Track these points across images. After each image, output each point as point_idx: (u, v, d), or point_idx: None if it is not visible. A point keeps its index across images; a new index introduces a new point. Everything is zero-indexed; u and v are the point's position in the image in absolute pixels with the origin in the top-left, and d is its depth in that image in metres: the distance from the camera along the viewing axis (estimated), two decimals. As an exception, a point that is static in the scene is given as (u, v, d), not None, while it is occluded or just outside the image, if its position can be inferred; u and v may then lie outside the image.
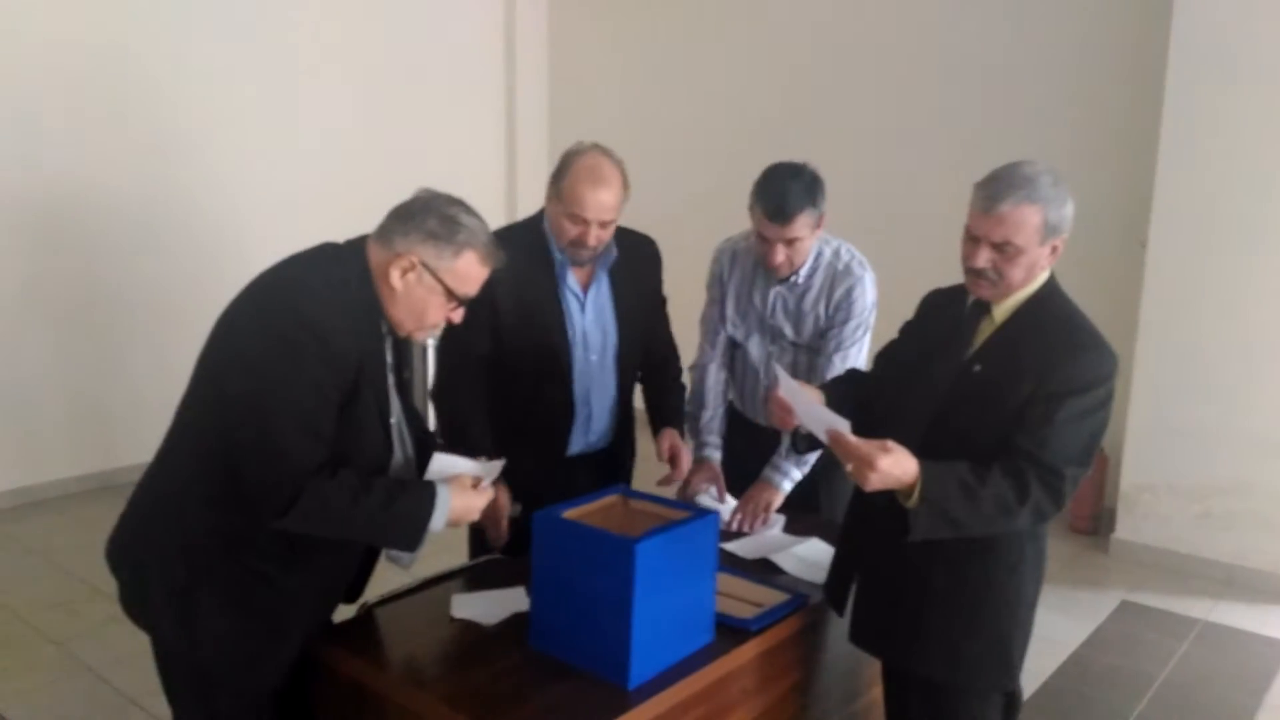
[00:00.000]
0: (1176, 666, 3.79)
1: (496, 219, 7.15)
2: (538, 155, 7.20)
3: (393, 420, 1.95)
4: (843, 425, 1.89)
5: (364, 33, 6.23)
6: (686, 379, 2.95)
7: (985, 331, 2.02)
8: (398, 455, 1.97)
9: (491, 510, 2.20)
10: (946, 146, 5.52)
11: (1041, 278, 2.01)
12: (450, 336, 2.37)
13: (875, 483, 1.80)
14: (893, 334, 2.30)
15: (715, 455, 2.89)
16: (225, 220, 5.69)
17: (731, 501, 2.78)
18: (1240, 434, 4.48)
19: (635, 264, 2.70)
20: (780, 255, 2.64)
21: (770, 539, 2.59)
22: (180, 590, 1.85)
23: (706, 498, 2.79)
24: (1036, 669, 3.68)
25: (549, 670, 1.89)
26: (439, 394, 2.64)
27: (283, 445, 1.72)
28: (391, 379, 1.96)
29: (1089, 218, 5.03)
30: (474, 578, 2.32)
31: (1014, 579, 2.02)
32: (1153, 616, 4.21)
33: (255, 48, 5.73)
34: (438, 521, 1.86)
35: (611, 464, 2.75)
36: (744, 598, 2.18)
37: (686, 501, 2.71)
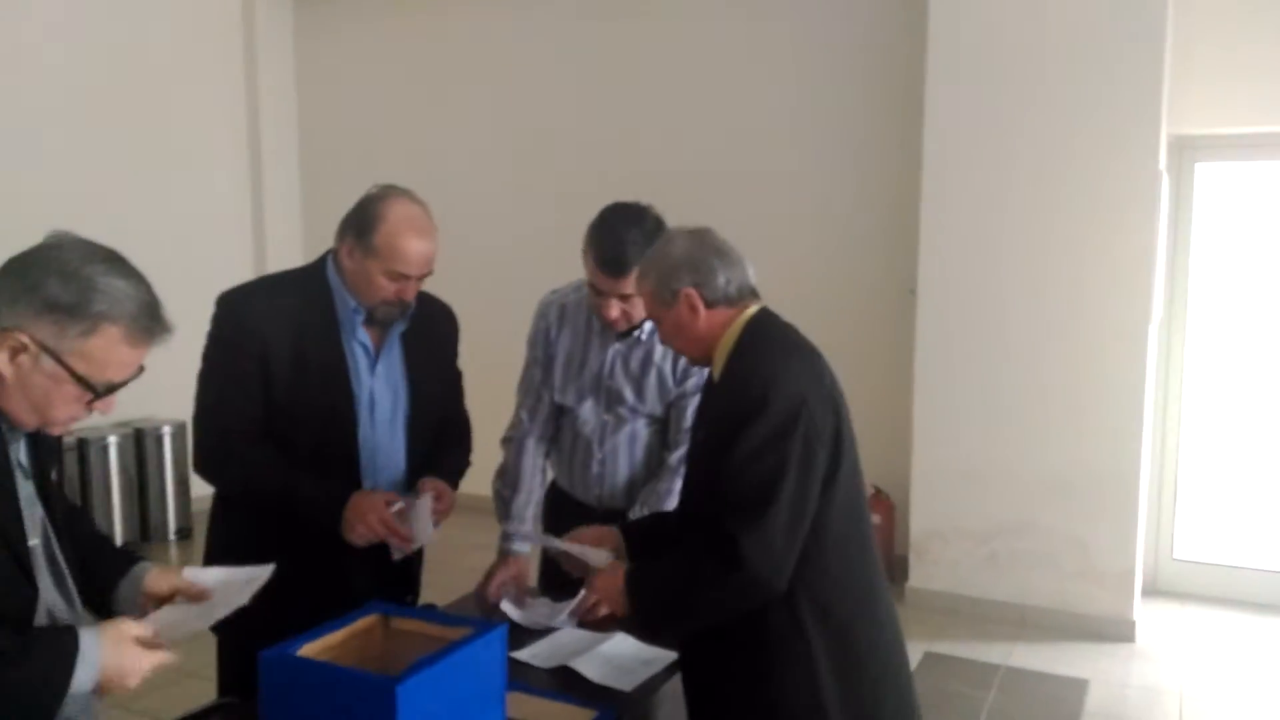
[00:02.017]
0: (990, 716, 3.68)
1: (245, 266, 6.41)
2: (289, 195, 6.61)
3: (32, 544, 1.45)
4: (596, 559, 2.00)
5: (95, 49, 5.53)
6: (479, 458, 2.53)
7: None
8: (45, 586, 1.47)
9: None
10: (732, 185, 5.37)
11: (738, 323, 1.91)
12: (209, 404, 2.11)
13: (613, 609, 1.94)
14: None
15: (522, 549, 2.48)
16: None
17: (534, 606, 2.37)
18: (1019, 475, 4.53)
19: (430, 327, 2.34)
20: (615, 310, 2.33)
21: (568, 640, 2.21)
22: None
23: (508, 603, 2.37)
24: (853, 741, 3.46)
25: None
26: (206, 470, 2.19)
27: None
28: (28, 486, 1.46)
29: (861, 267, 5.12)
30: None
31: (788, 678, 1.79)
32: (956, 666, 4.12)
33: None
34: (81, 681, 1.36)
35: (401, 561, 2.27)
36: (542, 715, 1.78)
37: (482, 607, 2.31)
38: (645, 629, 1.94)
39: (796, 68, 5.25)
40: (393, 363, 2.27)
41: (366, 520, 2.04)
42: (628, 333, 2.41)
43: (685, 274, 1.89)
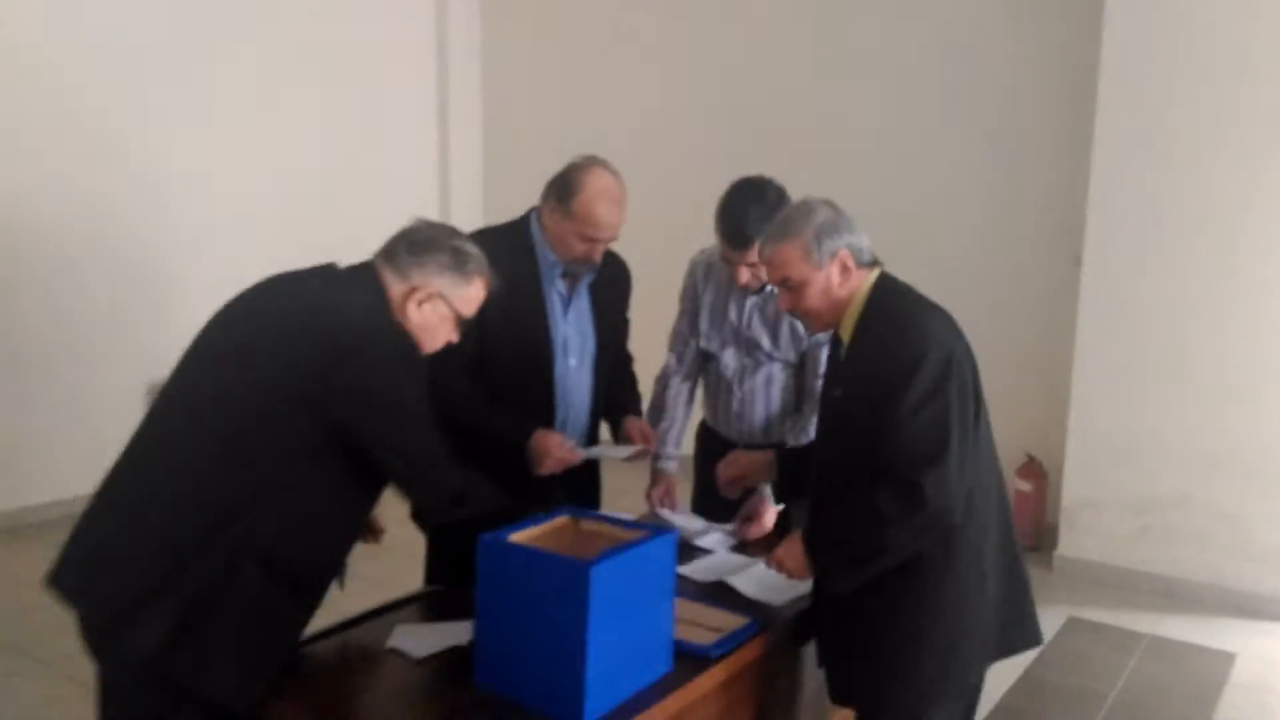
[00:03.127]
0: (1127, 682, 3.76)
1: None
2: (471, 166, 7.07)
3: None
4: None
5: (292, 49, 6.04)
6: (646, 390, 2.88)
7: (842, 352, 2.12)
8: None
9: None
10: (896, 158, 5.50)
11: (865, 286, 2.06)
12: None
13: (796, 574, 2.07)
14: None
15: (671, 467, 2.81)
16: (144, 255, 5.45)
17: (688, 516, 2.70)
18: (1176, 448, 4.51)
19: (612, 280, 2.68)
20: (745, 275, 2.62)
21: (724, 560, 2.49)
22: (181, 628, 1.70)
23: (665, 512, 2.70)
24: (989, 689, 3.60)
25: (497, 710, 1.75)
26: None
27: (429, 449, 1.89)
28: None
29: (1024, 236, 5.16)
30: (418, 610, 2.18)
31: (940, 597, 1.99)
32: (1100, 632, 4.20)
33: (181, 69, 5.52)
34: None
35: (583, 477, 2.64)
36: (702, 623, 2.07)
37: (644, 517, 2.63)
38: (828, 584, 2.07)
39: (967, 31, 5.29)
40: (582, 309, 2.59)
41: (550, 458, 2.37)
42: (761, 288, 2.66)
43: (840, 234, 2.05)
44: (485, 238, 2.55)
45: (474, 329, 2.42)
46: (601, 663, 1.71)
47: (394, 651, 1.96)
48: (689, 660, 1.92)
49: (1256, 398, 4.34)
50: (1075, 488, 4.82)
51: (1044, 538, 5.05)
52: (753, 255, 2.50)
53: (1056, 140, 5.03)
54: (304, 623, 1.90)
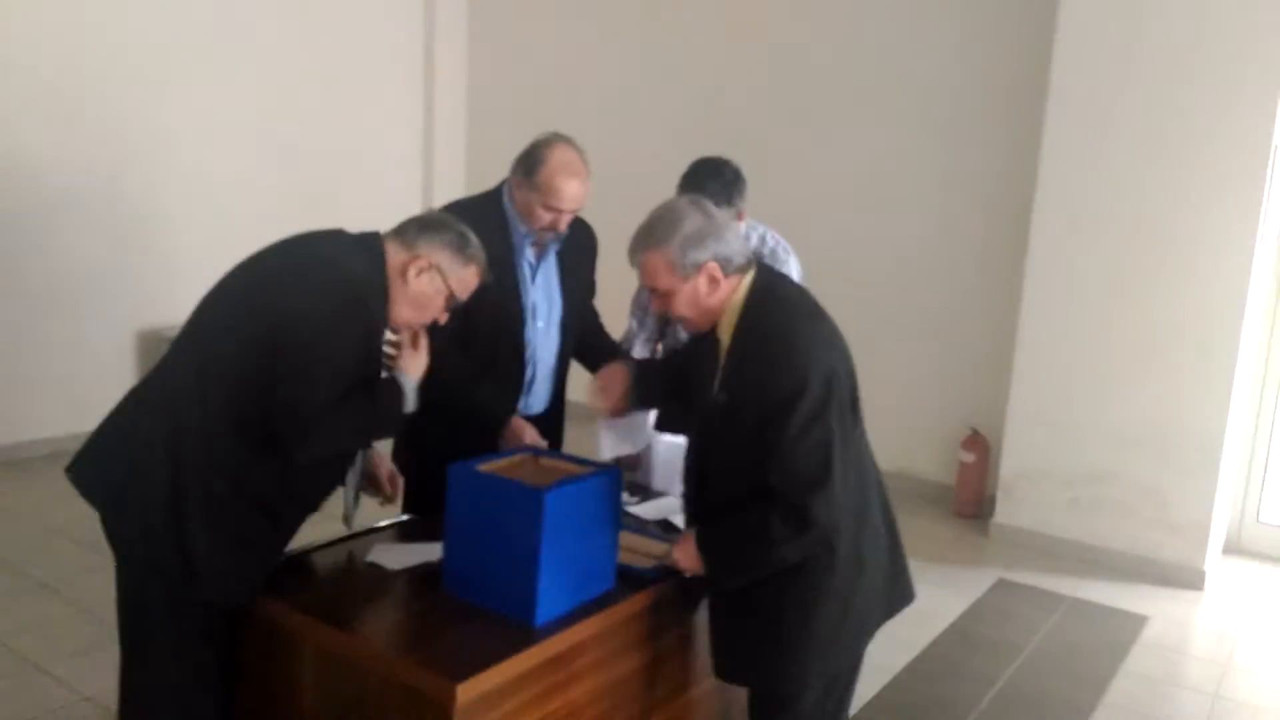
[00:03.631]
0: (1045, 636, 4.09)
1: (413, 199, 7.21)
2: (454, 136, 7.30)
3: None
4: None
5: (284, 16, 6.24)
6: None
7: (721, 354, 2.13)
8: None
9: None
10: (852, 146, 5.80)
11: (741, 290, 2.09)
12: None
13: (692, 570, 2.15)
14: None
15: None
16: (143, 198, 5.66)
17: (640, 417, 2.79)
18: (1105, 427, 4.83)
19: (578, 247, 2.90)
20: None
21: (670, 502, 2.77)
22: (181, 520, 1.97)
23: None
24: (915, 638, 3.95)
25: (461, 611, 2.03)
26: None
27: (318, 389, 1.97)
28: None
29: (973, 231, 5.45)
30: (395, 534, 2.45)
31: (824, 589, 2.11)
32: (1025, 593, 4.53)
33: (181, 26, 5.72)
34: (409, 385, 2.18)
35: (547, 427, 2.88)
36: (642, 551, 2.35)
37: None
38: (716, 583, 2.15)
39: (924, 21, 5.55)
40: (549, 275, 2.83)
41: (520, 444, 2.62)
42: None
43: (707, 245, 2.03)
44: (463, 208, 2.78)
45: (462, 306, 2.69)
46: (551, 575, 1.99)
47: (372, 565, 2.24)
48: (629, 581, 2.21)
49: (1178, 383, 4.65)
50: (1013, 460, 5.14)
51: (984, 506, 5.38)
52: None
53: (1006, 137, 5.31)
54: (278, 540, 2.13)
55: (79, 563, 4.01)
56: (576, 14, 6.88)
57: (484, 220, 2.66)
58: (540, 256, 2.81)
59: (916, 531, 5.14)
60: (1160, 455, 4.71)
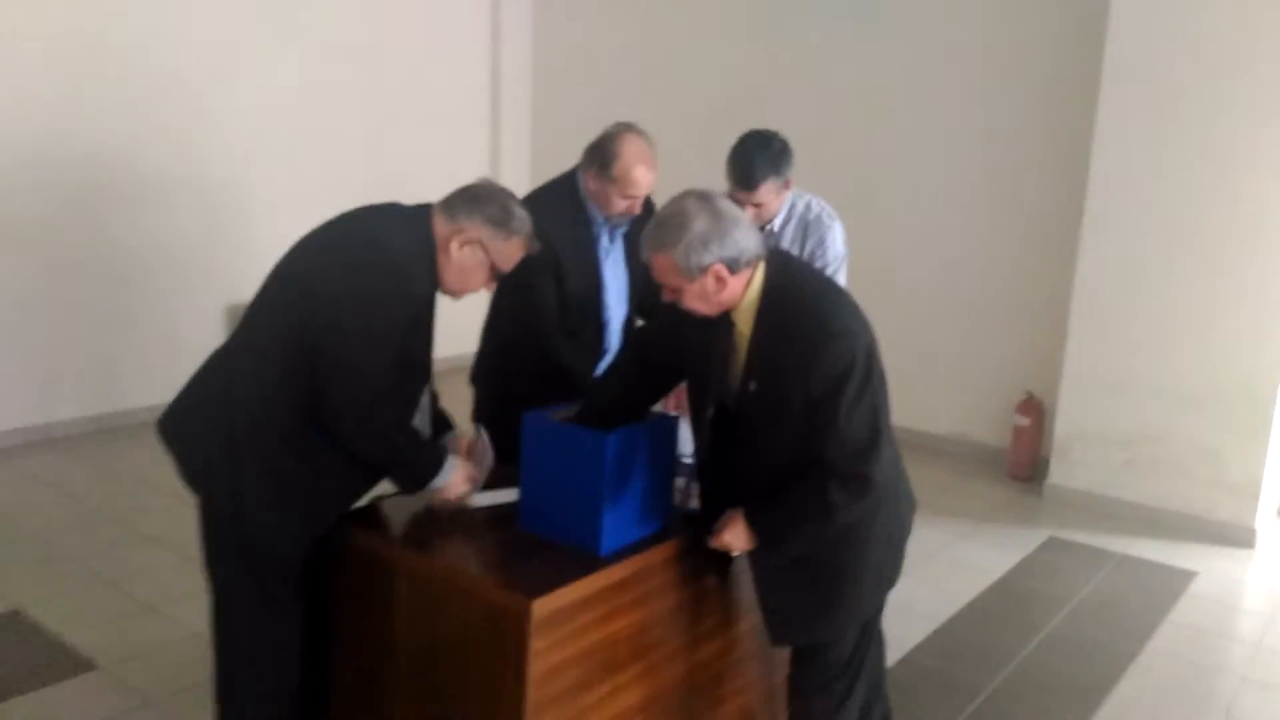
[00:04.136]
0: (1092, 590, 4.23)
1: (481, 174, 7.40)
2: (521, 125, 7.55)
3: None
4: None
5: (357, 14, 6.55)
6: None
7: (741, 344, 2.20)
8: (423, 412, 2.41)
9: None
10: (906, 129, 5.92)
11: (756, 281, 2.16)
12: (532, 299, 2.87)
13: (741, 549, 2.27)
14: (861, 279, 2.39)
15: None
16: (229, 180, 6.02)
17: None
18: (1161, 387, 4.92)
19: (640, 224, 3.07)
20: (750, 214, 3.03)
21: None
22: (237, 468, 2.22)
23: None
24: (963, 591, 4.12)
25: (536, 544, 2.27)
26: (518, 342, 3.00)
27: (363, 369, 2.13)
28: None
29: (1028, 186, 5.54)
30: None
31: (868, 541, 2.28)
32: (1075, 550, 4.66)
33: (267, 11, 6.05)
34: (438, 482, 2.32)
35: None
36: (696, 495, 2.57)
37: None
38: (771, 556, 2.28)
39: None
40: (617, 252, 3.06)
41: None
42: (761, 228, 3.09)
43: (711, 248, 2.07)
44: (547, 195, 2.98)
45: (556, 281, 2.88)
46: (613, 510, 2.21)
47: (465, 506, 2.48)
48: (688, 519, 2.43)
49: (1232, 344, 4.73)
50: (1067, 422, 5.25)
51: (1038, 469, 5.50)
52: (758, 196, 2.96)
53: (1061, 100, 5.38)
54: (329, 499, 2.31)
55: (179, 517, 4.34)
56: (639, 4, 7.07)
57: (563, 207, 2.91)
58: (610, 239, 3.03)
59: (971, 493, 5.32)
60: (1214, 416, 4.80)
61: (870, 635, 2.45)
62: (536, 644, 2.03)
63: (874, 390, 2.13)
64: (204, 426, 2.28)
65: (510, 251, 2.30)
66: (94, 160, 5.47)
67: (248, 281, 2.40)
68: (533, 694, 2.05)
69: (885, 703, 2.70)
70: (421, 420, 2.43)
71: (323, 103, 6.40)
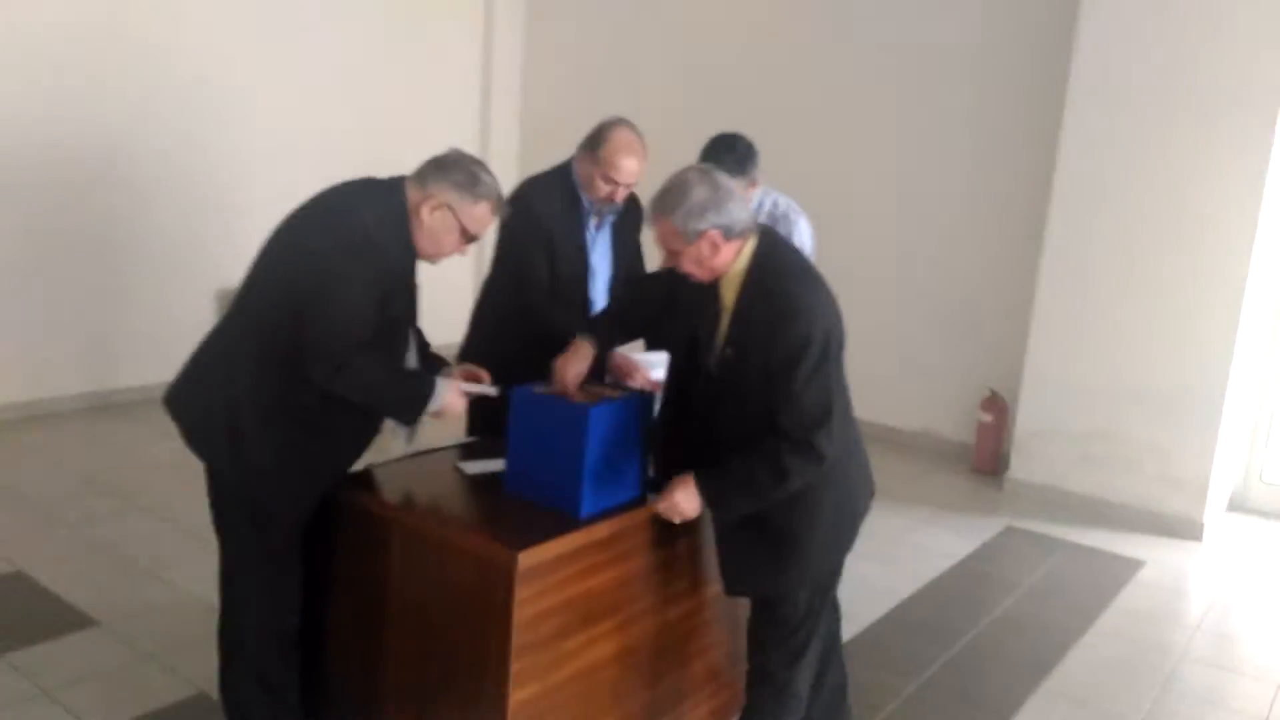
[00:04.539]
0: (1044, 574, 4.47)
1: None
2: (509, 117, 7.74)
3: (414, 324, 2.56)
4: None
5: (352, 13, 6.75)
6: None
7: (725, 314, 2.40)
8: (412, 353, 2.58)
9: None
10: (879, 134, 6.16)
11: (744, 255, 2.35)
12: (524, 271, 3.09)
13: (690, 514, 2.44)
14: (831, 279, 2.60)
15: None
16: (220, 167, 6.17)
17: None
18: (1114, 388, 5.17)
19: (628, 218, 3.32)
20: None
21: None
22: (236, 433, 2.41)
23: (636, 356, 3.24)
24: (922, 572, 4.35)
25: (521, 505, 2.48)
26: (508, 307, 3.20)
27: (337, 321, 2.29)
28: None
29: (994, 194, 5.78)
30: (464, 452, 2.89)
31: (818, 506, 2.45)
32: (1030, 538, 4.90)
33: (251, 19, 6.21)
34: (433, 405, 2.46)
35: (596, 370, 3.30)
36: (673, 467, 2.78)
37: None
38: (721, 517, 2.49)
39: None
40: (605, 242, 3.26)
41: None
42: None
43: (708, 216, 2.26)
44: (543, 179, 3.20)
45: (547, 258, 3.09)
46: (593, 477, 2.42)
47: (450, 470, 2.68)
48: (658, 489, 2.63)
49: (1182, 346, 4.98)
50: (1027, 419, 5.49)
51: (1001, 463, 5.74)
52: None
53: (1026, 110, 5.62)
54: (326, 459, 2.47)
55: (174, 489, 4.53)
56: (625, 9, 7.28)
57: (556, 190, 3.12)
58: (599, 226, 3.23)
59: (935, 484, 5.56)
60: (1164, 413, 5.04)
61: (824, 599, 2.64)
62: (521, 593, 2.24)
63: (829, 372, 2.31)
64: (206, 397, 2.47)
65: (479, 214, 2.42)
66: (93, 147, 5.62)
67: (238, 266, 2.57)
68: (517, 639, 2.26)
69: (842, 670, 2.92)
70: (411, 361, 2.59)
71: (315, 96, 6.55)
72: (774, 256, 2.39)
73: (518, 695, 2.29)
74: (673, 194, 2.31)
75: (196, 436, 2.49)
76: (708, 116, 6.60)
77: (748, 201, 3.22)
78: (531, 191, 3.00)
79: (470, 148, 7.26)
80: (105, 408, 5.75)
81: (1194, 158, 4.87)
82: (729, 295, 2.39)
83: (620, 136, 3.04)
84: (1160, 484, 5.10)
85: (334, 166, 3.03)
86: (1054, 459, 5.40)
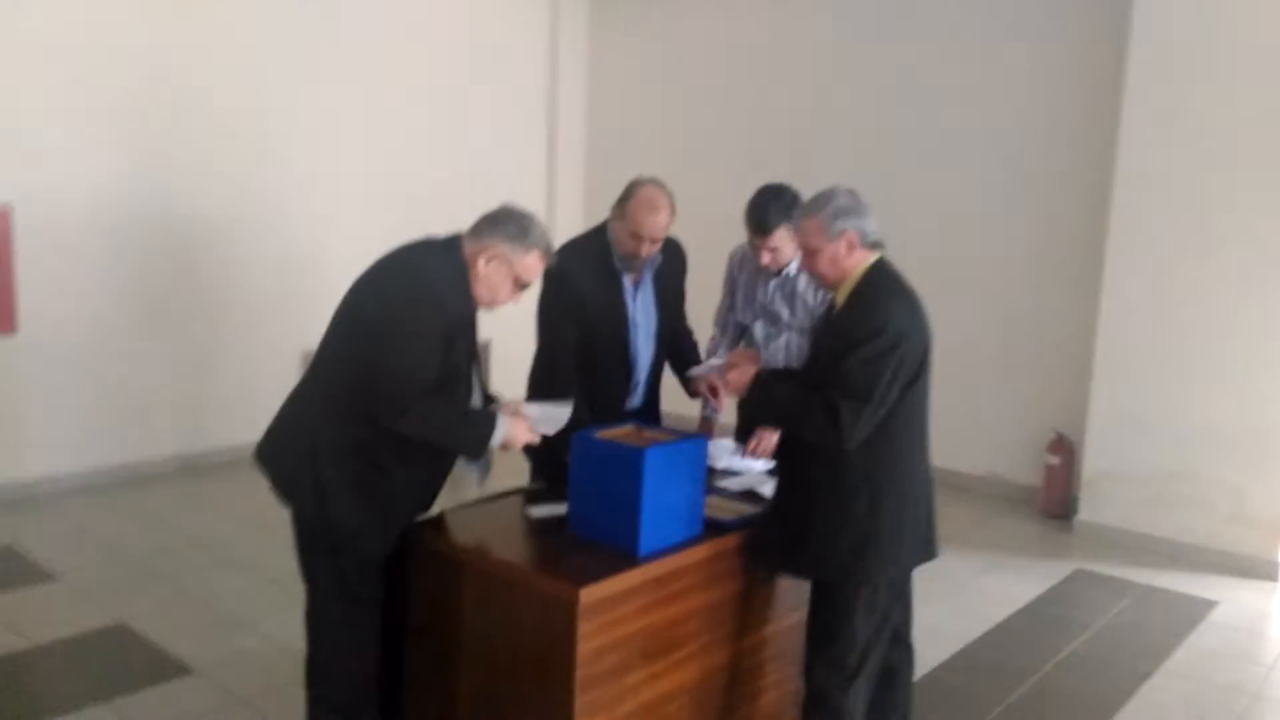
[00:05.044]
0: (1113, 617, 4.45)
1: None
2: (575, 165, 8.07)
3: (476, 367, 2.73)
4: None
5: (421, 53, 7.09)
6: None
7: (833, 313, 2.77)
8: (476, 394, 2.76)
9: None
10: (937, 168, 6.27)
11: (864, 265, 2.67)
12: (550, 329, 3.28)
13: (733, 389, 2.79)
14: None
15: (716, 418, 3.64)
16: (299, 233, 6.52)
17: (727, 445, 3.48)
18: (1187, 426, 5.15)
19: (670, 265, 3.48)
20: (765, 258, 3.40)
21: (755, 477, 3.30)
22: (319, 481, 2.60)
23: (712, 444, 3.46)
24: (990, 614, 4.37)
25: (583, 545, 2.62)
26: (545, 370, 3.38)
27: (403, 368, 2.49)
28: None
29: (1057, 225, 5.83)
30: (531, 497, 3.06)
31: (854, 502, 2.62)
32: (1100, 581, 4.87)
33: (328, 86, 6.60)
34: (496, 439, 2.64)
35: (648, 416, 3.46)
36: (728, 509, 2.90)
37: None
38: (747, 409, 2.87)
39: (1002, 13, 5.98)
40: (647, 295, 3.42)
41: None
42: (779, 272, 3.46)
43: (850, 219, 2.64)
44: (577, 243, 3.41)
45: (578, 318, 3.25)
46: (650, 516, 2.55)
47: (516, 514, 2.85)
48: (715, 528, 2.76)
49: (1254, 383, 4.95)
50: (1095, 460, 5.48)
51: (1069, 505, 5.71)
52: (773, 241, 3.32)
53: (1083, 142, 5.69)
54: (403, 503, 2.66)
55: (264, 543, 4.77)
56: (692, 37, 7.54)
57: (594, 253, 3.30)
58: (639, 279, 3.39)
59: (1003, 529, 5.56)
60: (1236, 452, 5.02)
61: (871, 620, 2.70)
62: (583, 628, 2.37)
63: (883, 369, 2.52)
64: (290, 448, 2.69)
65: (530, 263, 2.64)
66: (179, 217, 6.00)
67: (320, 327, 2.79)
68: (579, 672, 2.39)
69: (906, 709, 2.99)
70: (476, 403, 2.76)
71: (386, 159, 6.91)
72: (885, 273, 2.69)
73: (583, 727, 2.41)
74: (820, 198, 2.69)
75: (283, 487, 2.69)
76: (772, 149, 6.89)
77: (794, 249, 3.38)
78: (566, 257, 3.15)
79: (537, 195, 7.78)
80: (197, 469, 6.06)
81: (1263, 186, 4.87)
82: (841, 298, 2.70)
83: (644, 194, 3.19)
84: (1233, 524, 5.04)
85: (405, 226, 3.25)
86: (1124, 500, 5.37)
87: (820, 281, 2.84)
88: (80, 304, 5.66)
